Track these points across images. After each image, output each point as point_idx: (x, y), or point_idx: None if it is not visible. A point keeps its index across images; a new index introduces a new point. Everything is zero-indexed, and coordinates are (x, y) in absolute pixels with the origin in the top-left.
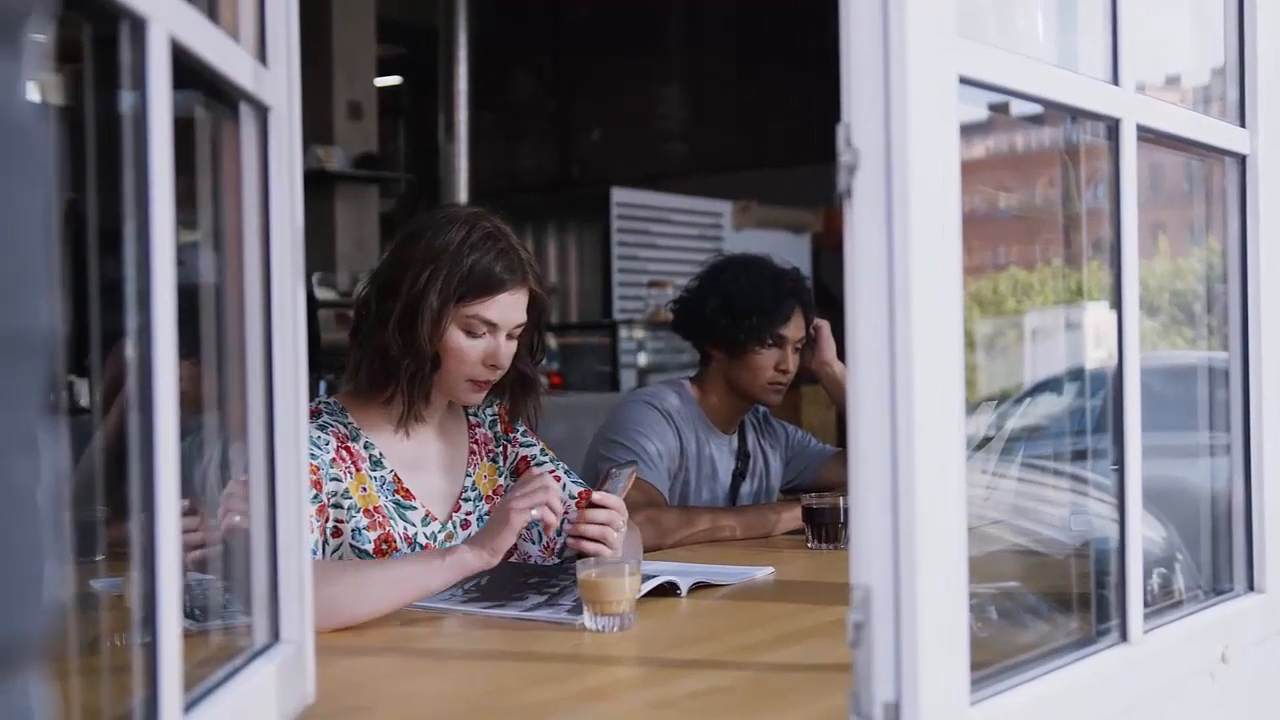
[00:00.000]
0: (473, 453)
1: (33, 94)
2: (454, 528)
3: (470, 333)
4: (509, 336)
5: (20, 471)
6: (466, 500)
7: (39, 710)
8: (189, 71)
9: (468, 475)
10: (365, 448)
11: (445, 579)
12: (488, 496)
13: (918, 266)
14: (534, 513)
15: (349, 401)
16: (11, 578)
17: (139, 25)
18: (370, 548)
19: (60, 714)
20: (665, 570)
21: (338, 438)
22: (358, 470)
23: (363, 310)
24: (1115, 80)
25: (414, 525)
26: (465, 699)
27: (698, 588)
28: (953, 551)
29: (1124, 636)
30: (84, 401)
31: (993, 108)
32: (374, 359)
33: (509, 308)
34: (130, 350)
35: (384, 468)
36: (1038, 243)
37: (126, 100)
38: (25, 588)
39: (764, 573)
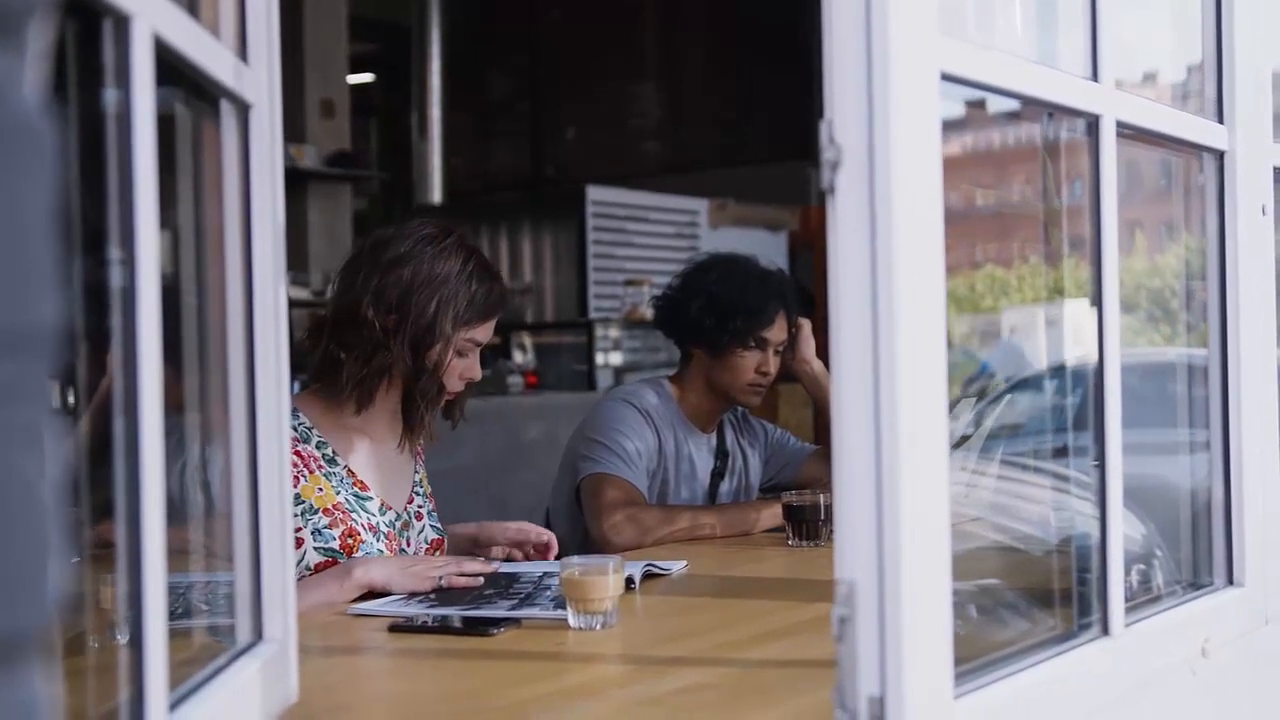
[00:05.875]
0: (418, 452)
1: (35, 91)
2: (409, 517)
3: (461, 354)
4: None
5: (26, 467)
6: (418, 494)
7: (43, 704)
8: (169, 68)
9: (416, 472)
10: (318, 447)
11: (348, 597)
12: (429, 494)
13: (901, 262)
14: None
15: (304, 403)
16: (17, 573)
17: (122, 22)
18: (336, 544)
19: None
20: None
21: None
22: (311, 472)
23: (351, 319)
24: (1095, 77)
25: (374, 515)
26: (448, 698)
27: (647, 578)
28: (936, 545)
29: (1105, 630)
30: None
31: (969, 104)
32: (377, 376)
33: (492, 327)
34: (114, 351)
35: (338, 464)
36: (1015, 240)
37: (109, 97)
38: (30, 583)
39: (678, 566)
